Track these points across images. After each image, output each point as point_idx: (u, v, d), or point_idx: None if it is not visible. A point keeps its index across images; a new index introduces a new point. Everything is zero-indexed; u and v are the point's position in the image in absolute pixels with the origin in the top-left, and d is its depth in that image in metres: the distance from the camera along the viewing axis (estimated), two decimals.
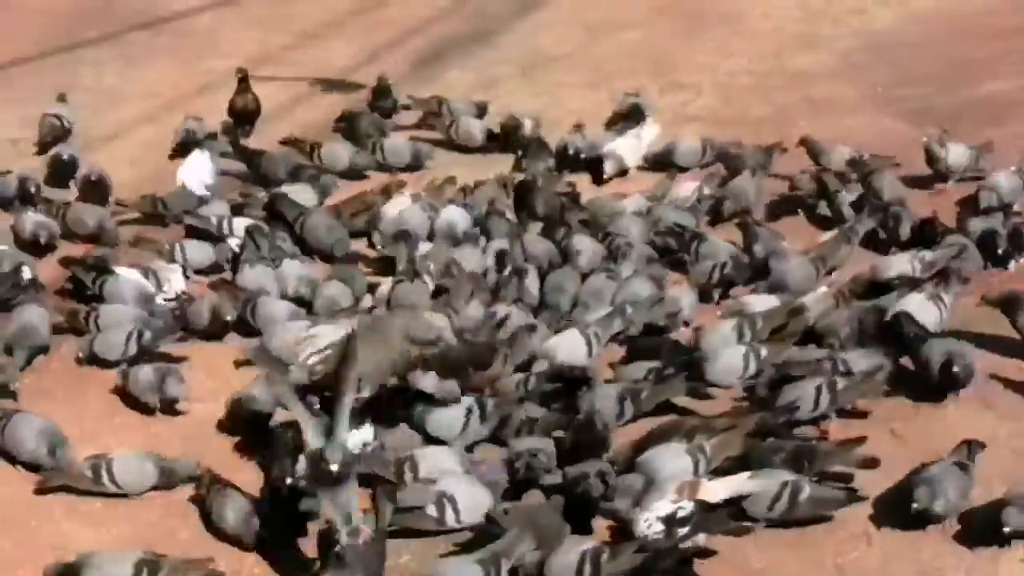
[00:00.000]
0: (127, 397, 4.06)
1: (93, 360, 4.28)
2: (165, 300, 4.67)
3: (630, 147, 5.41)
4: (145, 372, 4.10)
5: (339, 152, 5.54)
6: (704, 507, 3.31)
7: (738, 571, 3.20)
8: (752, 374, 3.96)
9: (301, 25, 6.98)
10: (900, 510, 3.29)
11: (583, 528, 3.40)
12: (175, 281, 4.73)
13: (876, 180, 5.07)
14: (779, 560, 3.21)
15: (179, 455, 3.75)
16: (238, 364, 4.16)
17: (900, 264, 4.55)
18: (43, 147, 5.73)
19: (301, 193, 5.23)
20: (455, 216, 4.93)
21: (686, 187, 5.23)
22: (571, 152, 5.47)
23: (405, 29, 6.90)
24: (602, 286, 4.44)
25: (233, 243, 4.93)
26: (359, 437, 3.71)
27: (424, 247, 4.81)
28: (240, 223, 4.99)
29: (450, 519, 3.41)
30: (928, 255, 4.55)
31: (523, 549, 3.27)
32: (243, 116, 5.79)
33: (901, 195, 4.98)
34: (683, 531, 3.25)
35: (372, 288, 4.65)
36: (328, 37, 6.86)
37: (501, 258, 4.67)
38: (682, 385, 3.90)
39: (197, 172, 5.34)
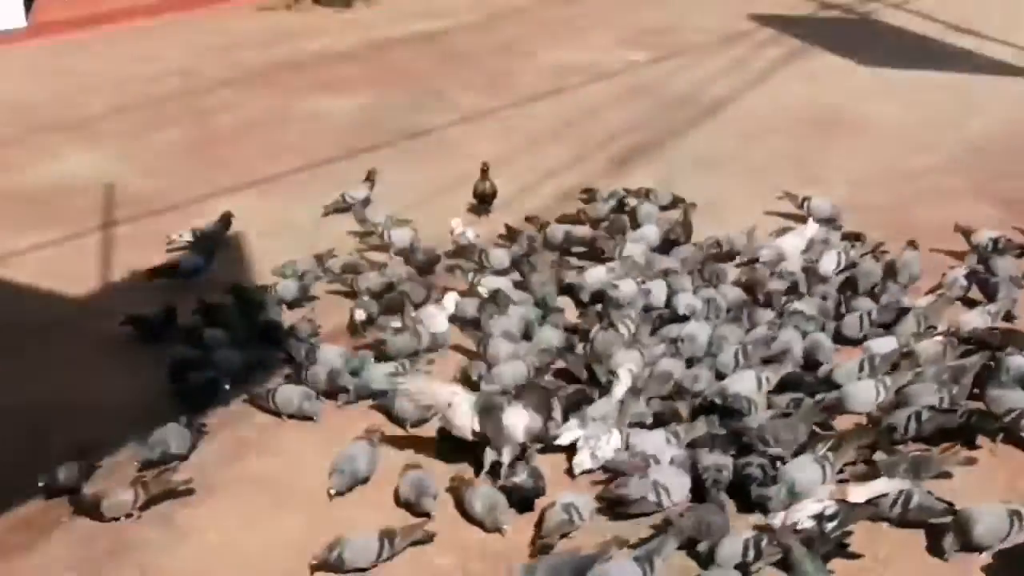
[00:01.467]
0: None
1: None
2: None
3: (792, 245, 5.56)
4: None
5: (556, 231, 5.82)
6: (847, 506, 3.64)
7: (870, 558, 3.60)
8: (881, 402, 4.33)
9: (527, 135, 7.63)
10: None
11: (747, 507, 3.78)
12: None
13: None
14: (902, 550, 3.63)
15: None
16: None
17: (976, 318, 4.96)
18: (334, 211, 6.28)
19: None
20: (657, 289, 5.18)
21: (829, 259, 5.44)
22: (724, 248, 5.63)
23: (605, 137, 7.54)
24: (762, 336, 4.75)
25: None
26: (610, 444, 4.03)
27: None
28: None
29: (665, 501, 3.79)
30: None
31: (671, 549, 3.52)
32: (484, 198, 6.24)
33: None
34: (831, 524, 3.56)
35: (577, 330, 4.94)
36: (547, 144, 7.47)
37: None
38: (820, 412, 4.26)
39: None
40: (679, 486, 3.88)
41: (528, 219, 6.10)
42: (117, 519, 3.78)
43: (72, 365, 4.94)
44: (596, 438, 4.03)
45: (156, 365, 4.80)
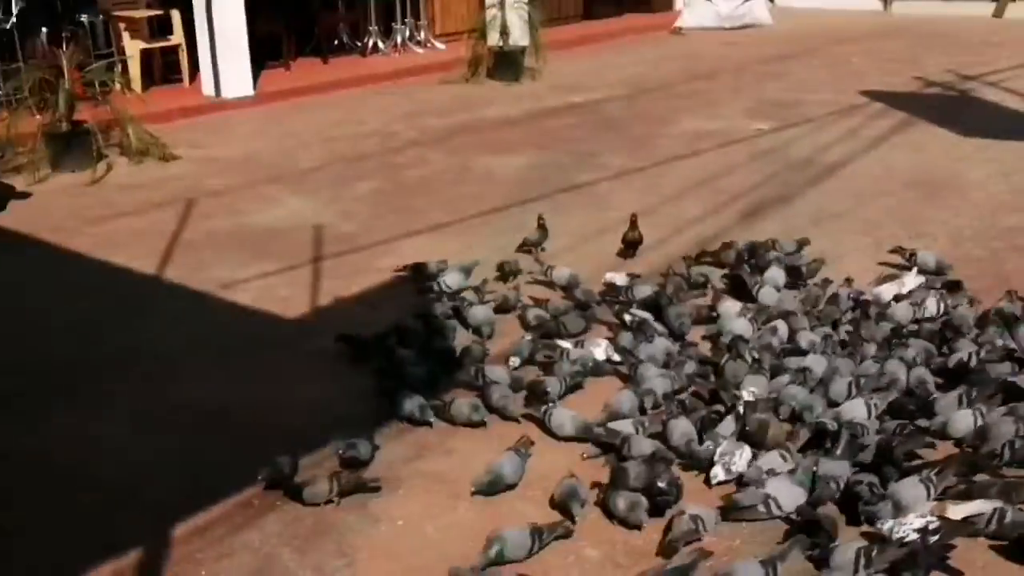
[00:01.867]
0: None
1: None
2: None
3: (890, 291, 5.46)
4: None
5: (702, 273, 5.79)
6: (948, 522, 3.54)
7: (968, 568, 3.46)
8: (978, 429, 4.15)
9: (665, 191, 7.62)
10: None
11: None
12: None
13: None
14: (997, 563, 3.51)
15: None
16: None
17: None
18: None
19: None
20: (781, 327, 5.04)
21: (931, 303, 5.27)
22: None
23: (734, 194, 7.50)
24: (874, 372, 4.62)
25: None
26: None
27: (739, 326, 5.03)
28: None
29: (775, 511, 3.68)
30: None
31: (797, 557, 3.40)
32: (632, 244, 6.17)
33: None
34: (934, 538, 3.44)
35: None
36: (683, 199, 7.45)
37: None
38: (923, 438, 4.15)
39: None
40: (790, 497, 3.75)
41: (685, 259, 6.01)
42: (318, 505, 3.85)
43: (286, 373, 5.06)
44: (730, 454, 3.96)
45: (358, 376, 4.91)
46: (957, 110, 9.86)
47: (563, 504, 3.77)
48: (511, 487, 3.93)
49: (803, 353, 4.83)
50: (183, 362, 5.21)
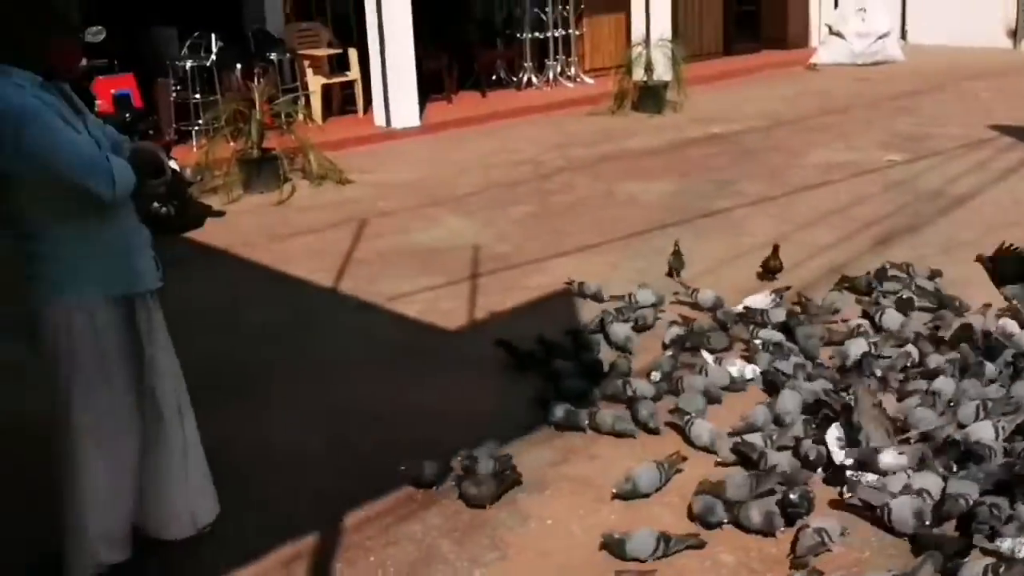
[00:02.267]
0: None
1: None
2: None
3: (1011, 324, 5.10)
4: None
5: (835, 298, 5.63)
6: None
7: None
8: None
9: (799, 219, 7.43)
10: None
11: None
12: None
13: None
14: None
15: None
16: None
17: None
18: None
19: None
20: (913, 352, 4.84)
21: None
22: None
23: (865, 223, 7.27)
24: (1003, 396, 4.41)
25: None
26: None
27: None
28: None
29: (888, 522, 3.56)
30: None
31: (928, 570, 3.26)
32: (772, 271, 6.04)
33: None
34: None
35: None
36: (816, 226, 7.25)
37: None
38: None
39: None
40: (903, 516, 3.58)
41: (843, 279, 5.90)
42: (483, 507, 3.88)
43: (446, 378, 5.12)
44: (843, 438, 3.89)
45: (510, 382, 4.95)
46: None
47: (700, 518, 3.71)
48: (646, 496, 3.88)
49: (932, 375, 4.64)
50: (355, 366, 5.33)
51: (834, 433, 3.98)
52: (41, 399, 3.38)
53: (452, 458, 4.07)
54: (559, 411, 4.47)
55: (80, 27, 3.25)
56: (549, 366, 4.95)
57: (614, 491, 3.88)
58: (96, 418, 3.26)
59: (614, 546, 3.52)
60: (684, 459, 4.06)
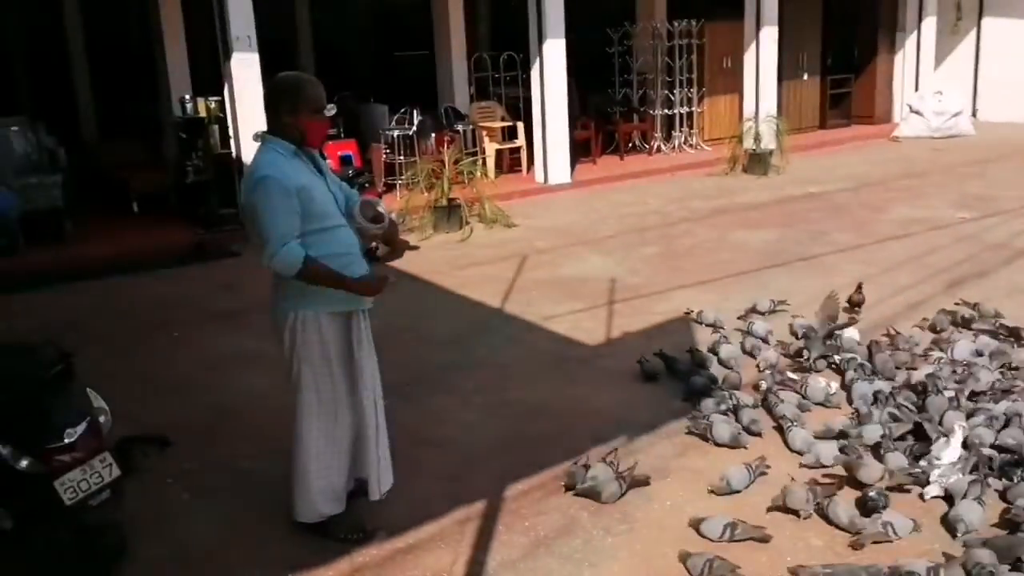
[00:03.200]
0: None
1: None
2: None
3: None
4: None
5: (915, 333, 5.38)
6: None
7: None
8: None
9: (882, 264, 7.13)
10: None
11: None
12: None
13: None
14: None
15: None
16: None
17: None
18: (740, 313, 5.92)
19: None
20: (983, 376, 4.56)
21: None
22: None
23: (939, 268, 6.93)
24: None
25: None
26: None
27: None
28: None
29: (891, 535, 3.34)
30: None
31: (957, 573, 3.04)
32: (856, 305, 5.79)
33: None
34: None
35: None
36: (896, 271, 6.93)
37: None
38: None
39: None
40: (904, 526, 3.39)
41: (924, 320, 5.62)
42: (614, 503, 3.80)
43: (588, 382, 5.11)
44: (946, 476, 3.65)
45: (639, 388, 4.89)
46: None
47: (786, 506, 3.58)
48: (737, 492, 3.76)
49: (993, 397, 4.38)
50: (516, 369, 5.37)
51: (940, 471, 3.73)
52: (281, 385, 3.54)
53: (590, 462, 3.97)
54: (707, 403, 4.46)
55: (325, 108, 3.37)
56: (681, 373, 4.92)
57: (710, 488, 3.79)
58: (318, 400, 3.37)
59: (695, 526, 3.46)
60: (766, 464, 3.92)
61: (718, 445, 4.14)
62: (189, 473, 4.20)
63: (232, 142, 9.06)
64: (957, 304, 5.80)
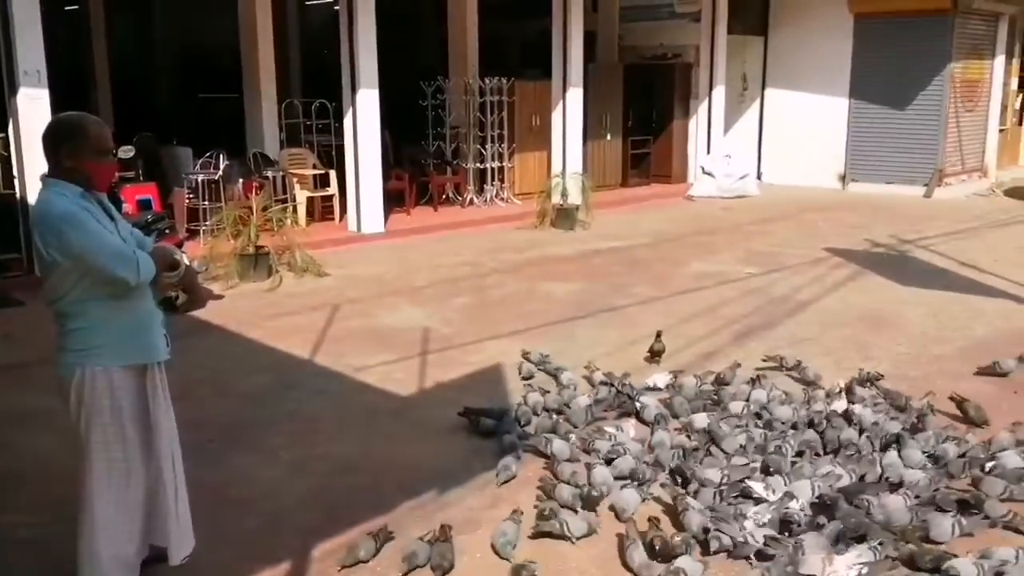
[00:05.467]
0: None
1: None
2: None
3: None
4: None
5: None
6: None
7: None
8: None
9: (679, 315, 7.34)
10: None
11: None
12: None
13: None
14: None
15: None
16: None
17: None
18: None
19: None
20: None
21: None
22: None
23: (729, 320, 7.27)
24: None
25: None
26: None
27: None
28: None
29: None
30: None
31: None
32: (656, 353, 6.01)
33: None
34: None
35: None
36: (692, 321, 7.24)
37: None
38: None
39: None
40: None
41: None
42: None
43: (399, 435, 5.08)
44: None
45: (452, 440, 4.90)
46: (898, 265, 9.67)
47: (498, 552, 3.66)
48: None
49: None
50: (326, 423, 5.27)
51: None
52: (67, 444, 3.30)
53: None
54: (506, 460, 4.47)
55: (113, 150, 3.22)
56: (489, 428, 4.94)
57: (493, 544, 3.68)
58: (109, 461, 3.17)
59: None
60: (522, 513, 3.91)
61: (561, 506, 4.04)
62: None
63: (16, 182, 8.41)
64: (764, 360, 6.08)
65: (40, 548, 3.76)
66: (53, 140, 3.08)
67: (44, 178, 3.13)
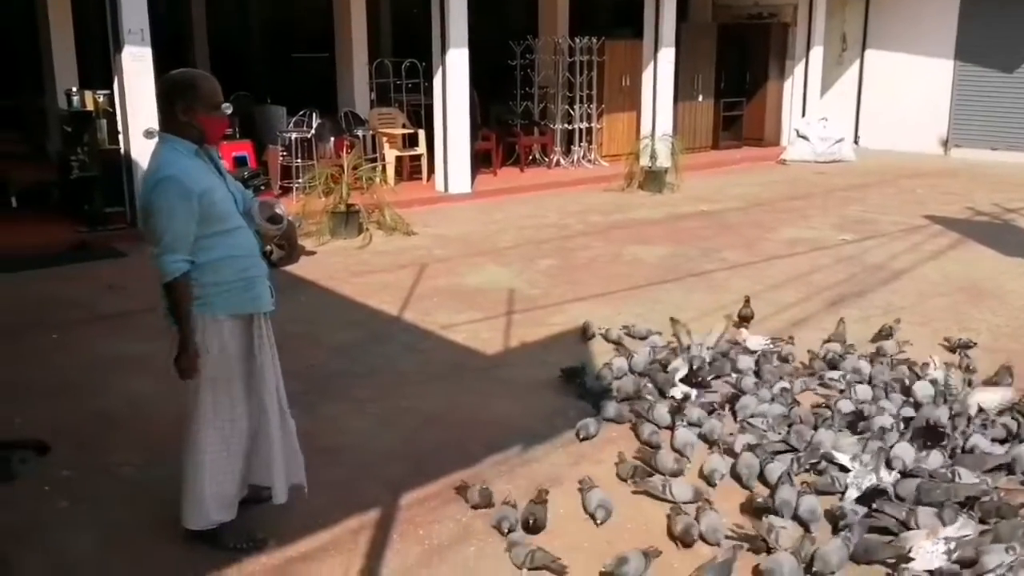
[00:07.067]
0: None
1: None
2: None
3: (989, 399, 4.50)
4: None
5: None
6: None
7: None
8: None
9: (769, 281, 7.26)
10: None
11: None
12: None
13: None
14: None
15: None
16: None
17: None
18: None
19: None
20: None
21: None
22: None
23: (821, 287, 7.12)
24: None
25: None
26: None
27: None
28: None
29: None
30: None
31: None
32: (745, 319, 5.94)
33: None
34: None
35: None
36: (782, 287, 7.12)
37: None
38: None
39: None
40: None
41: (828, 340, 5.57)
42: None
43: (484, 391, 5.14)
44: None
45: (536, 397, 4.95)
46: (1000, 235, 9.26)
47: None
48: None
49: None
50: (413, 378, 5.36)
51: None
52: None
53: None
54: (610, 409, 4.59)
55: (223, 104, 3.32)
56: (598, 388, 4.96)
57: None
58: (215, 404, 3.29)
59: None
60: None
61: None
62: (68, 480, 4.04)
63: (121, 138, 8.74)
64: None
65: (141, 485, 3.95)
66: (167, 96, 3.16)
67: (161, 133, 3.21)
